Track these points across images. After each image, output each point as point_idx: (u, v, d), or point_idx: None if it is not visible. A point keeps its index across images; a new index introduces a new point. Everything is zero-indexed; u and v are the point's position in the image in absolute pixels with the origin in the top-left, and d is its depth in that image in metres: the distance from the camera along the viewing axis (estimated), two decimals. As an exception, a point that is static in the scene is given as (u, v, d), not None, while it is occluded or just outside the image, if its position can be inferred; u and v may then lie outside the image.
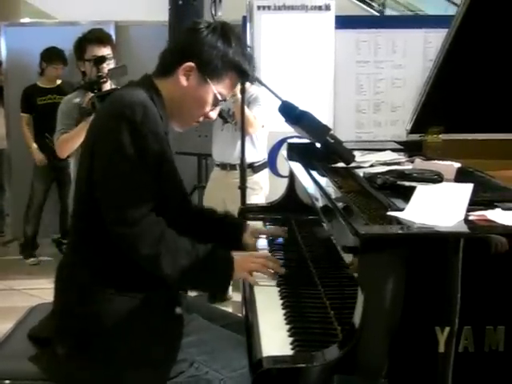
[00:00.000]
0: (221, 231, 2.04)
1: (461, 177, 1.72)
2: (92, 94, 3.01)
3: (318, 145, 1.95)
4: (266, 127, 3.93)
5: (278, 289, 1.76)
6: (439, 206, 1.43)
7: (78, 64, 3.29)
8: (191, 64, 1.74)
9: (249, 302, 1.72)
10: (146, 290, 1.71)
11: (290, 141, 2.54)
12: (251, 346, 1.45)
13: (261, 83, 1.87)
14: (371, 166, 2.05)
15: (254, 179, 3.92)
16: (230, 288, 4.29)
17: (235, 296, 3.93)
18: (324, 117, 3.68)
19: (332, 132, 1.89)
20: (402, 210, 1.43)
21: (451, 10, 5.88)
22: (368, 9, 6.17)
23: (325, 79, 4.56)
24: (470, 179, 1.63)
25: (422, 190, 1.52)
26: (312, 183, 1.92)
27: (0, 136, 5.56)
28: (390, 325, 1.28)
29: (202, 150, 4.38)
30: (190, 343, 1.72)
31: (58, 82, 5.26)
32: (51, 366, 1.74)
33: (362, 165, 2.04)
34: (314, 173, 2.02)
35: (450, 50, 2.13)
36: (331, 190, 1.79)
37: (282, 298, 1.70)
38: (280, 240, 2.21)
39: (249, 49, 1.86)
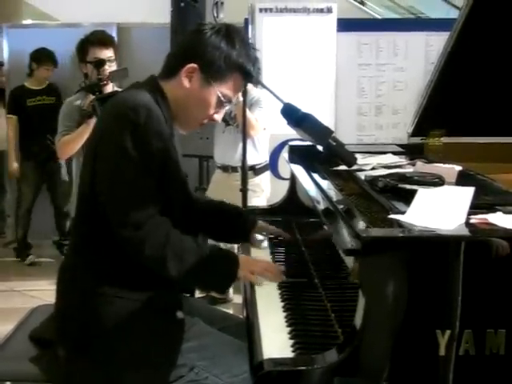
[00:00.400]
0: (232, 224, 2.08)
1: (462, 180, 1.72)
2: (93, 97, 3.01)
3: (320, 147, 1.95)
4: (268, 130, 3.93)
5: (279, 291, 1.76)
6: (440, 209, 1.43)
7: (80, 66, 3.29)
8: (194, 65, 1.73)
9: (250, 304, 1.72)
10: (148, 292, 1.71)
11: (291, 143, 2.54)
12: (252, 349, 1.45)
13: (263, 86, 1.87)
14: (372, 168, 2.05)
15: (255, 181, 3.92)
16: (231, 290, 4.28)
17: (236, 298, 3.93)
18: (325, 119, 3.67)
19: (334, 134, 1.89)
20: (403, 212, 1.43)
21: (453, 13, 5.88)
22: (367, 10, 6.16)
23: (326, 82, 4.56)
24: (472, 182, 1.63)
25: (423, 193, 1.52)
26: (313, 186, 1.93)
27: (1, 137, 5.54)
28: (391, 328, 1.28)
29: (203, 152, 4.38)
30: (191, 348, 1.72)
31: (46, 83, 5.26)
32: (52, 368, 1.74)
33: (364, 168, 2.04)
34: (316, 175, 2.02)
35: (452, 53, 2.13)
36: (332, 192, 1.79)
37: (282, 301, 1.70)
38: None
39: (257, 52, 1.86)
